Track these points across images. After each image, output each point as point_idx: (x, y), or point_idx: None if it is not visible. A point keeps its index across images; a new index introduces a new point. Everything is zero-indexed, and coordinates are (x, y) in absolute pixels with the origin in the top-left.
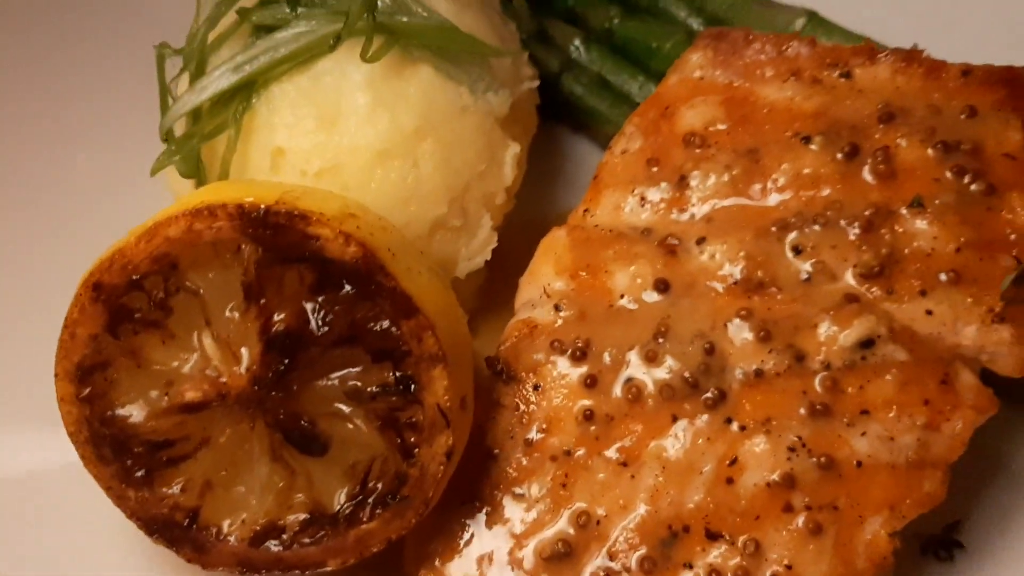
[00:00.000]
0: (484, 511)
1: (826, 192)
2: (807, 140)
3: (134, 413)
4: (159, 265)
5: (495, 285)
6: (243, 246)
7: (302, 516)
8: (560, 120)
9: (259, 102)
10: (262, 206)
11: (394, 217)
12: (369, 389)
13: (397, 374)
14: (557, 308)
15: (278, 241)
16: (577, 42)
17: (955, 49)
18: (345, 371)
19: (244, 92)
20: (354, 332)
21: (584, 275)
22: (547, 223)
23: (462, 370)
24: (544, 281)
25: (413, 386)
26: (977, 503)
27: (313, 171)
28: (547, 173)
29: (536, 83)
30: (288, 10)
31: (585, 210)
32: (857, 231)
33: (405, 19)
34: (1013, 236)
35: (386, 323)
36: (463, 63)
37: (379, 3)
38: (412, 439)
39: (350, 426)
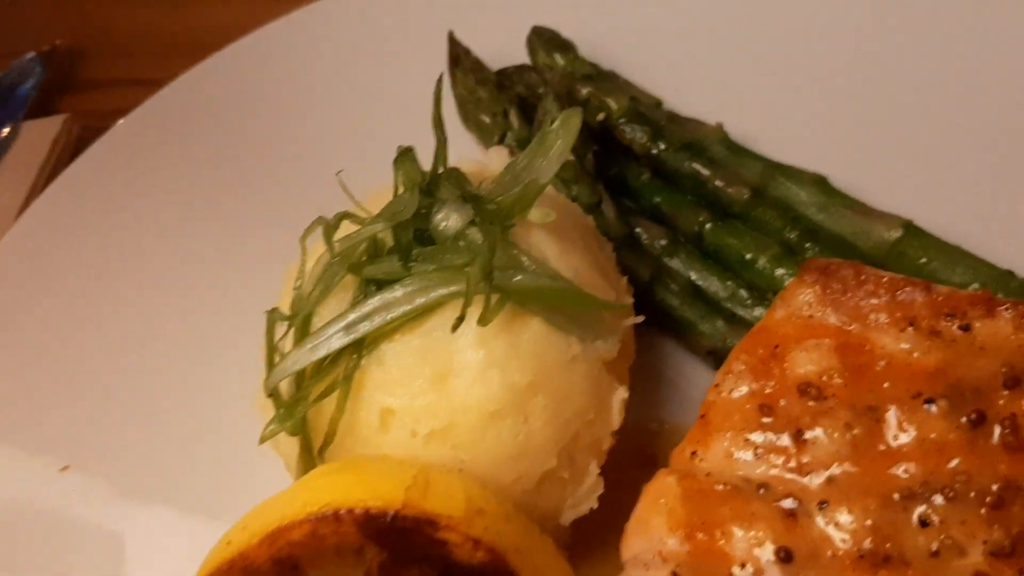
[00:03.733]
0: None
1: (953, 462)
2: (930, 402)
3: None
4: (280, 567)
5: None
6: (366, 547)
7: None
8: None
9: (368, 360)
10: (389, 513)
11: (503, 474)
12: None
13: None
14: (675, 575)
15: (404, 544)
16: (664, 242)
17: None
18: None
19: (353, 350)
20: None
21: (700, 536)
22: (639, 434)
23: None
24: (656, 536)
25: None
26: None
27: (424, 432)
28: (637, 376)
29: (640, 319)
30: (400, 264)
31: (693, 452)
32: (986, 506)
33: (519, 278)
34: None
35: None
36: (573, 314)
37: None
38: None
39: None
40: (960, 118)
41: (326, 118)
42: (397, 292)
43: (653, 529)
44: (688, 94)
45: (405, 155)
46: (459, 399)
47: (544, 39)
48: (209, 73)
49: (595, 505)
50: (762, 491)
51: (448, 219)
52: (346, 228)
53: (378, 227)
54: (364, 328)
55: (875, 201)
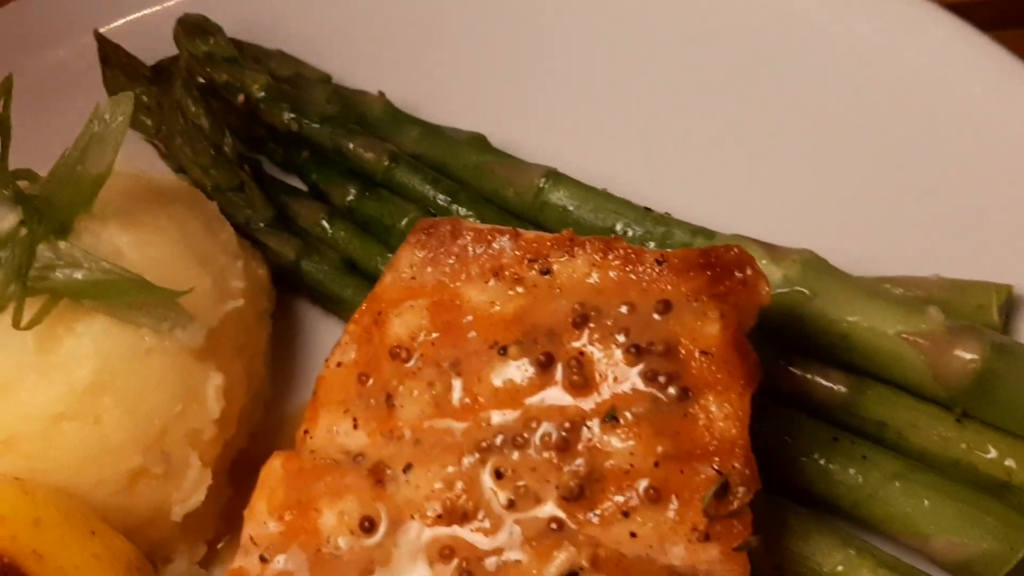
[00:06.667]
0: None
1: (523, 408)
2: (504, 351)
3: None
4: None
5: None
6: None
7: None
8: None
9: None
10: None
11: (83, 479)
12: None
13: None
14: (263, 559)
15: None
16: (322, 218)
17: None
18: None
19: None
20: None
21: (290, 516)
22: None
23: None
24: (259, 521)
25: None
26: None
27: None
28: (302, 359)
29: (240, 302)
30: None
31: (305, 431)
32: (555, 451)
33: (62, 275)
34: (713, 444)
35: None
36: (143, 305)
37: (33, 262)
38: None
39: None
40: (598, 68)
41: None
42: None
43: (257, 514)
44: (356, 67)
45: None
46: (22, 407)
47: (189, 26)
48: None
49: (203, 496)
50: (358, 461)
51: None
52: None
53: None
54: None
55: (531, 157)
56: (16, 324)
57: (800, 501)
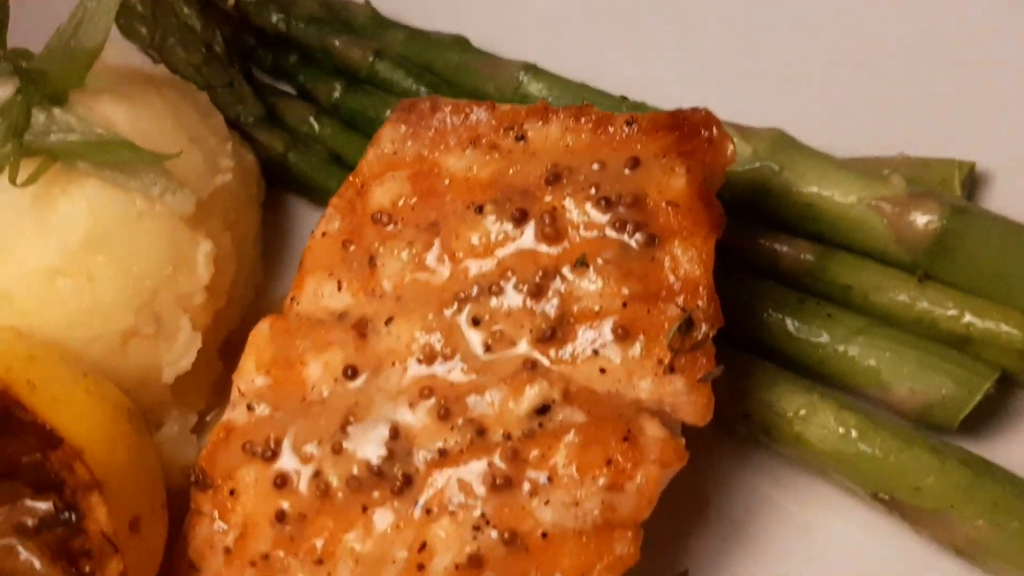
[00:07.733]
0: None
1: (498, 260)
2: (480, 209)
3: None
4: None
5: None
6: None
7: None
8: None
9: None
10: None
11: (77, 334)
12: (33, 522)
13: (59, 504)
14: (250, 408)
15: None
16: (310, 117)
17: None
18: (10, 506)
19: None
20: (9, 467)
21: (279, 369)
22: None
23: (130, 492)
24: (247, 377)
25: (74, 515)
26: (702, 554)
27: None
28: (290, 249)
29: (228, 177)
30: None
31: (292, 298)
32: (528, 296)
33: (56, 137)
34: (678, 284)
35: (37, 455)
36: (133, 170)
37: (31, 124)
38: (88, 568)
39: (23, 560)
40: None
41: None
42: None
43: (245, 372)
44: None
45: None
46: (18, 263)
47: None
48: None
49: (193, 358)
50: (343, 318)
51: None
52: None
53: None
54: None
55: (511, 54)
56: (12, 180)
57: (768, 360)
